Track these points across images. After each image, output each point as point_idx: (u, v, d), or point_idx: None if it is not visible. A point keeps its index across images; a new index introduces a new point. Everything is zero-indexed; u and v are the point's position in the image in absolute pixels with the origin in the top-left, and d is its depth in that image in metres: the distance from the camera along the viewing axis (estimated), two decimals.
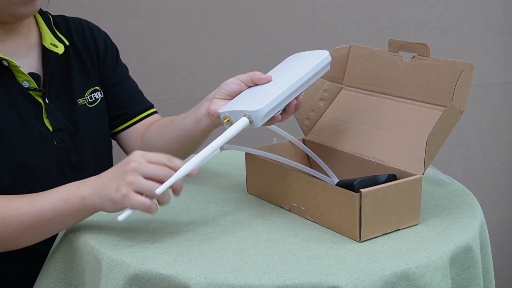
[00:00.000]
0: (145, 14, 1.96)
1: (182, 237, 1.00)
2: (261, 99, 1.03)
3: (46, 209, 0.97)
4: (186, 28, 1.98)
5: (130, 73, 1.38)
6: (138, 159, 0.95)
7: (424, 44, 1.11)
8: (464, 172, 2.15)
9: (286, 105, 1.06)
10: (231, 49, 2.01)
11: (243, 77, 1.11)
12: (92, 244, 0.98)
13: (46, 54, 1.20)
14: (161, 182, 0.93)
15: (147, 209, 0.93)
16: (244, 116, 1.01)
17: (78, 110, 1.23)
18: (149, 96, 1.40)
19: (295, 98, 1.06)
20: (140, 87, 1.38)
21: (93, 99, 1.26)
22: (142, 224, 1.05)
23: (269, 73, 1.12)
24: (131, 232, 1.02)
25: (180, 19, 1.97)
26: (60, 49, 1.21)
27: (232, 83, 1.12)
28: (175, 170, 0.94)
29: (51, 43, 1.21)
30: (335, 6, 2.01)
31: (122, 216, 0.93)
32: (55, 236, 1.08)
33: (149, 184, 0.93)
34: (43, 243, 1.04)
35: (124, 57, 1.38)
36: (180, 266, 0.89)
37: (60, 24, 1.26)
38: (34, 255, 1.17)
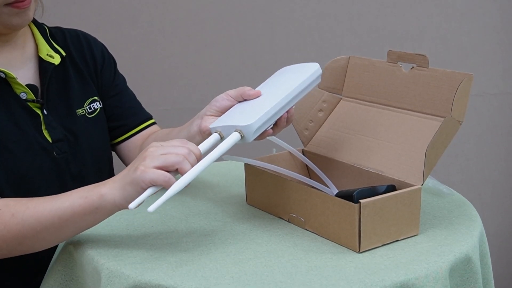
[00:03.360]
0: (144, 25, 1.96)
1: (181, 248, 1.00)
2: (252, 113, 1.02)
3: (65, 207, 0.96)
4: (185, 38, 1.99)
5: (129, 84, 1.38)
6: (155, 145, 0.95)
7: (423, 55, 1.11)
8: (463, 182, 2.15)
9: (277, 119, 1.06)
10: (230, 60, 2.02)
11: (233, 92, 1.11)
12: (92, 255, 0.98)
13: (42, 65, 1.20)
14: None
15: (167, 182, 0.91)
16: (235, 131, 1.00)
17: (78, 120, 1.23)
18: (148, 106, 1.40)
19: (286, 111, 1.06)
20: (138, 98, 1.38)
21: (92, 109, 1.26)
22: (142, 235, 1.05)
23: (258, 88, 1.12)
24: (130, 243, 1.02)
25: (179, 29, 1.98)
26: (56, 60, 1.22)
27: (222, 99, 1.11)
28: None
29: (47, 54, 1.21)
30: (334, 17, 2.02)
31: (134, 203, 0.91)
32: (56, 246, 1.07)
33: (167, 156, 0.92)
34: (45, 253, 1.03)
35: (123, 68, 1.38)
36: (179, 277, 0.89)
37: (56, 35, 1.26)
38: (35, 266, 1.17)
